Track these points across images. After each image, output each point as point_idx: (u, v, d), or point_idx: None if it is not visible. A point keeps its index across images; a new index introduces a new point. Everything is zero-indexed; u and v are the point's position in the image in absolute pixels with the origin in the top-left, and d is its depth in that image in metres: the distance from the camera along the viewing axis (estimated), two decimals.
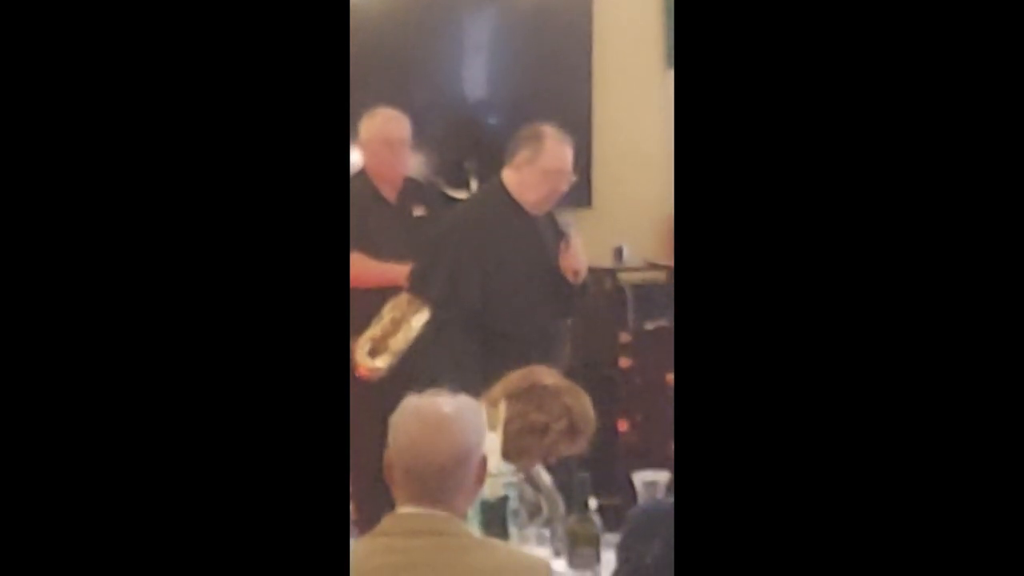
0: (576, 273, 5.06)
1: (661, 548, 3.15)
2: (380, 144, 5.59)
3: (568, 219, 5.14)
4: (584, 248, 5.14)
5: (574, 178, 5.11)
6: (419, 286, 5.09)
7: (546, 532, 3.70)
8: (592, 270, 5.32)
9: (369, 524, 3.09)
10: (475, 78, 6.74)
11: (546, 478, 3.90)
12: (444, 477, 2.95)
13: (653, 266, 6.43)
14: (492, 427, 3.30)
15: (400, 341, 5.25)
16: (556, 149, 5.05)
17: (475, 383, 4.17)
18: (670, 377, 5.98)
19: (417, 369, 4.94)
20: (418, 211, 5.63)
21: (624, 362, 6.05)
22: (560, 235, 5.09)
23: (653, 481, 3.74)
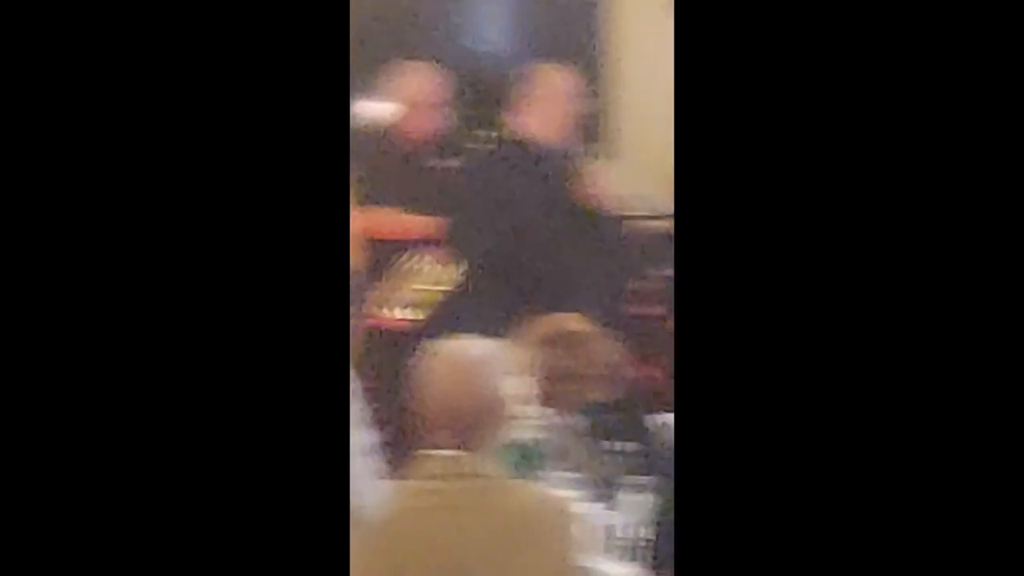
0: (597, 196, 5.15)
1: None
2: (417, 105, 5.59)
3: (579, 147, 5.22)
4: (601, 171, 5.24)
5: (580, 101, 5.19)
6: (447, 239, 5.16)
7: (575, 475, 3.74)
8: (606, 220, 5.38)
9: (400, 468, 3.14)
10: (493, 31, 6.76)
11: (574, 422, 3.94)
12: (474, 419, 2.99)
13: (667, 215, 6.45)
14: (523, 372, 3.33)
15: (430, 293, 5.30)
16: (549, 77, 5.21)
17: (507, 328, 4.24)
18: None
19: (448, 318, 5.00)
20: (446, 164, 5.66)
21: (637, 310, 6.07)
22: (576, 165, 5.20)
23: (666, 423, 3.78)
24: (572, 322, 4.02)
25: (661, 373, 5.94)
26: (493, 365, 3.05)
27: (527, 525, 2.97)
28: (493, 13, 6.77)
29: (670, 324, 5.96)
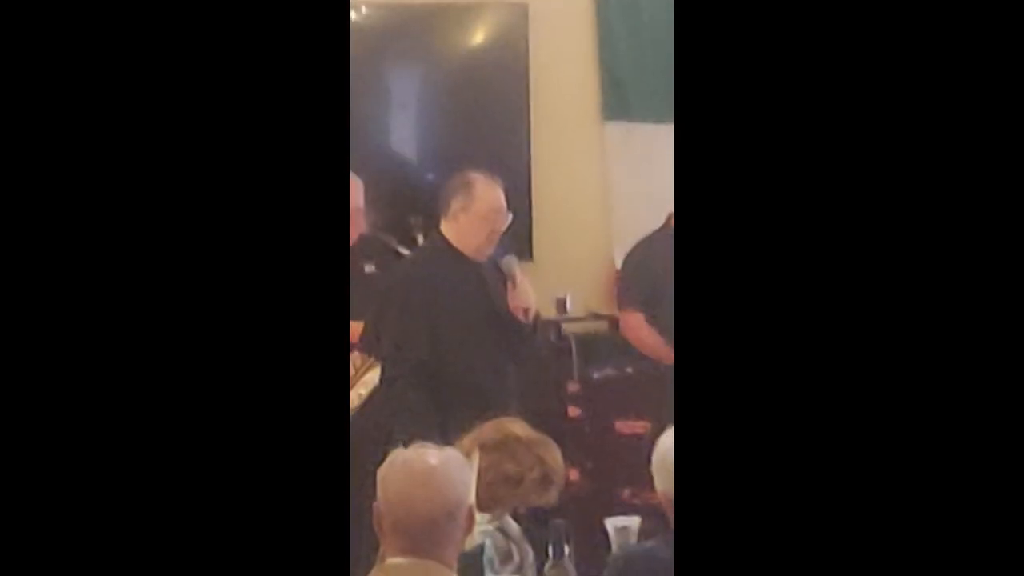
0: (526, 311, 5.19)
1: None
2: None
3: (512, 259, 5.28)
4: (530, 287, 5.26)
5: (510, 216, 5.25)
6: (368, 345, 5.17)
7: None
8: (536, 326, 5.43)
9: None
10: (411, 135, 6.81)
11: (515, 527, 3.96)
12: (432, 529, 3.01)
13: (596, 316, 6.52)
14: (475, 479, 3.35)
15: (354, 399, 5.30)
16: (487, 191, 5.23)
17: (432, 435, 4.25)
18: (619, 425, 6.07)
19: (374, 425, 5.00)
20: (368, 268, 5.67)
21: (572, 411, 6.12)
22: (505, 277, 5.22)
23: (625, 526, 3.81)
24: (514, 427, 4.05)
25: (582, 475, 5.96)
26: (451, 473, 3.07)
27: None
28: (422, 122, 6.82)
29: (588, 426, 6.08)
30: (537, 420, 4.50)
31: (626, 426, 5.95)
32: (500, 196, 5.25)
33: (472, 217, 5.17)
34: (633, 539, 3.81)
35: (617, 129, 6.81)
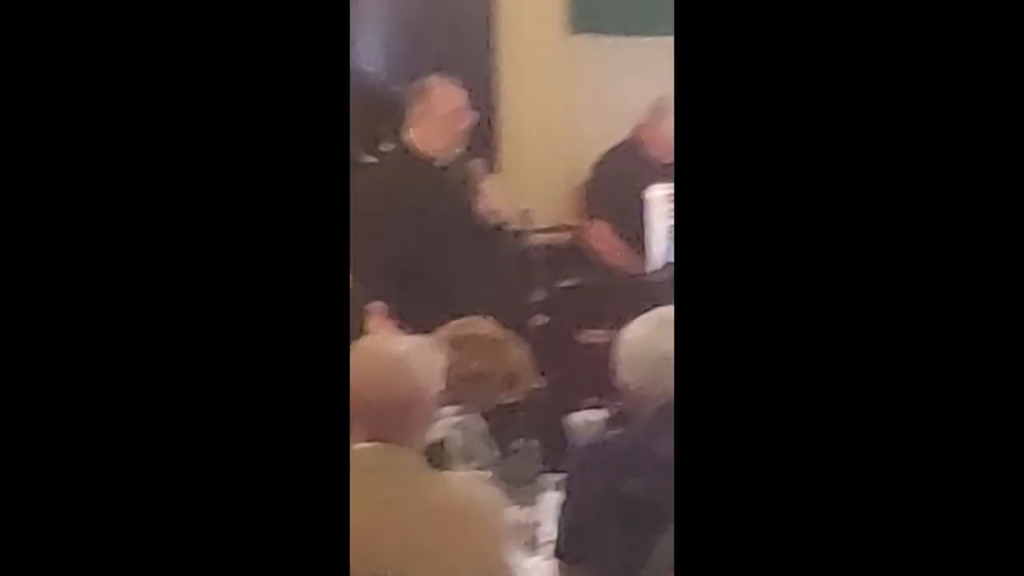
0: (494, 213, 5.22)
1: (605, 481, 3.29)
2: None
3: (477, 164, 5.32)
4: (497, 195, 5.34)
5: (474, 115, 5.29)
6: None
7: (486, 473, 3.80)
8: (504, 231, 5.47)
9: None
10: (376, 49, 6.81)
11: (480, 424, 4.00)
12: (400, 414, 3.05)
13: (563, 227, 6.56)
14: (443, 370, 3.39)
15: None
16: (445, 93, 5.34)
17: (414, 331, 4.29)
18: (583, 334, 6.12)
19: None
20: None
21: (537, 319, 6.15)
22: (472, 181, 5.28)
23: (592, 420, 3.87)
24: (482, 325, 4.09)
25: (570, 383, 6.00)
26: (420, 358, 3.11)
27: (453, 519, 3.02)
28: (387, 35, 6.81)
29: (553, 334, 6.10)
30: (503, 327, 4.54)
31: (591, 335, 5.99)
32: (459, 95, 5.31)
33: (433, 119, 5.26)
34: (600, 430, 3.87)
35: (584, 41, 6.82)
